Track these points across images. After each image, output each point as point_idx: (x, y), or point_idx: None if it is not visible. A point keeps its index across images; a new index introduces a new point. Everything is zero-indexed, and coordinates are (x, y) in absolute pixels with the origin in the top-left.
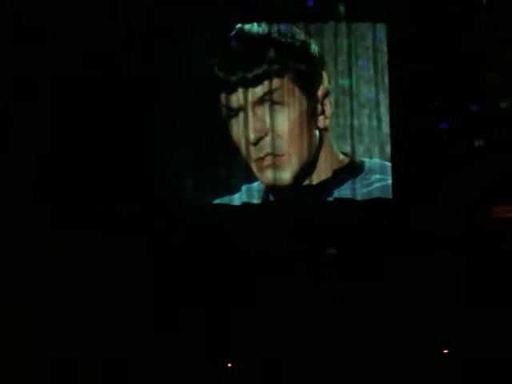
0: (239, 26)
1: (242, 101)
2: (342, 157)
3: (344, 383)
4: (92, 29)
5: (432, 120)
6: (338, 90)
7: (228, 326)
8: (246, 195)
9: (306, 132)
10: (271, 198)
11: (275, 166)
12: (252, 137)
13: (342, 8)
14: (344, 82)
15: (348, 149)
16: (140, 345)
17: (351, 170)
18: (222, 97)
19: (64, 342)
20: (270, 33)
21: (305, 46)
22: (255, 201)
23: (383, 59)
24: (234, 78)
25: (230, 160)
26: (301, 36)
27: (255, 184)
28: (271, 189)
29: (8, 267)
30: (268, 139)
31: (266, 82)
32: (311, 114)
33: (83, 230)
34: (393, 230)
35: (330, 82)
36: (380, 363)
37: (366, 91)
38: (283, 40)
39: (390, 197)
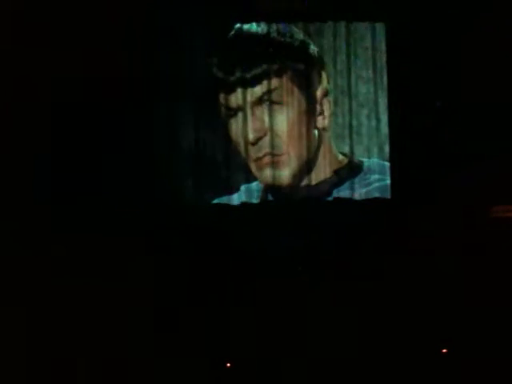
0: (238, 25)
1: (240, 101)
2: (341, 157)
3: (344, 383)
4: (92, 29)
5: (431, 120)
6: (337, 89)
7: (227, 325)
8: (244, 195)
9: (305, 132)
10: (270, 197)
11: (274, 165)
12: (251, 136)
13: None
14: (343, 82)
15: (347, 149)
16: (140, 345)
17: (350, 170)
18: (221, 97)
19: (64, 341)
20: (269, 32)
21: (304, 45)
22: (254, 200)
23: (382, 59)
24: (232, 78)
25: (228, 160)
26: (300, 36)
27: (254, 184)
28: (270, 188)
29: (8, 267)
30: (267, 139)
31: (265, 82)
32: (310, 114)
33: (83, 230)
34: (391, 230)
35: (328, 82)
36: (379, 363)
37: (365, 91)
38: (282, 40)
39: (389, 197)
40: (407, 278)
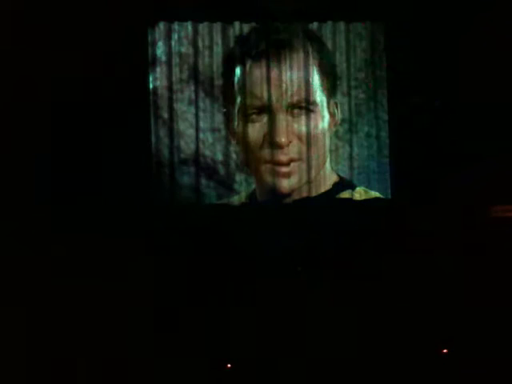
0: None
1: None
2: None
3: (343, 383)
4: (92, 29)
5: (430, 120)
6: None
7: (227, 325)
8: (245, 195)
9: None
10: (270, 198)
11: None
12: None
13: None
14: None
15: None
16: (140, 345)
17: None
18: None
19: (64, 341)
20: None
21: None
22: (254, 201)
23: (381, 59)
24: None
25: (229, 160)
26: None
27: (255, 186)
28: (270, 192)
29: (8, 267)
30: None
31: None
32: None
33: (83, 230)
34: (391, 230)
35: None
36: (379, 363)
37: (364, 91)
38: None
39: (389, 196)
40: (407, 278)
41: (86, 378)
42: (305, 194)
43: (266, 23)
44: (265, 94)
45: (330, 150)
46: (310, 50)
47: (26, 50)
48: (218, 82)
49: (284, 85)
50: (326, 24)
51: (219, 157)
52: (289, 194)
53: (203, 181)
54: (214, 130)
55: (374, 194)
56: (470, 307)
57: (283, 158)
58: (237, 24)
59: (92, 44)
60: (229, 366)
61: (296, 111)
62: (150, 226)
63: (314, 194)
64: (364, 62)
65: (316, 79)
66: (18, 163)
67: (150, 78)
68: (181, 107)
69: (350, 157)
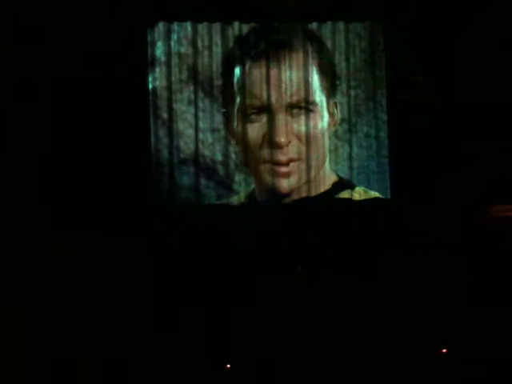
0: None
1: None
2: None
3: (343, 383)
4: (92, 29)
5: (430, 120)
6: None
7: (227, 325)
8: (244, 195)
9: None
10: (269, 198)
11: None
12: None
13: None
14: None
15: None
16: (139, 345)
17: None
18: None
19: (64, 341)
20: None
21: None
22: (253, 201)
23: (381, 59)
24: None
25: (229, 160)
26: None
27: (254, 185)
28: (270, 192)
29: (8, 267)
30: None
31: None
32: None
33: (83, 230)
34: (391, 230)
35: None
36: (379, 363)
37: (364, 91)
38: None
39: (389, 196)
40: (407, 278)
41: (86, 378)
42: (304, 194)
43: (266, 23)
44: (264, 94)
45: (330, 150)
46: (310, 50)
47: (26, 50)
48: (218, 82)
49: (283, 85)
50: (325, 24)
51: (218, 157)
52: (288, 194)
53: (202, 181)
54: (213, 130)
55: (374, 194)
56: (469, 307)
57: (282, 157)
58: (236, 24)
59: (92, 44)
60: (228, 366)
61: (295, 111)
62: (150, 226)
63: (313, 194)
64: (363, 62)
65: (315, 79)
66: (18, 163)
67: (150, 78)
68: (180, 107)
69: (350, 157)
